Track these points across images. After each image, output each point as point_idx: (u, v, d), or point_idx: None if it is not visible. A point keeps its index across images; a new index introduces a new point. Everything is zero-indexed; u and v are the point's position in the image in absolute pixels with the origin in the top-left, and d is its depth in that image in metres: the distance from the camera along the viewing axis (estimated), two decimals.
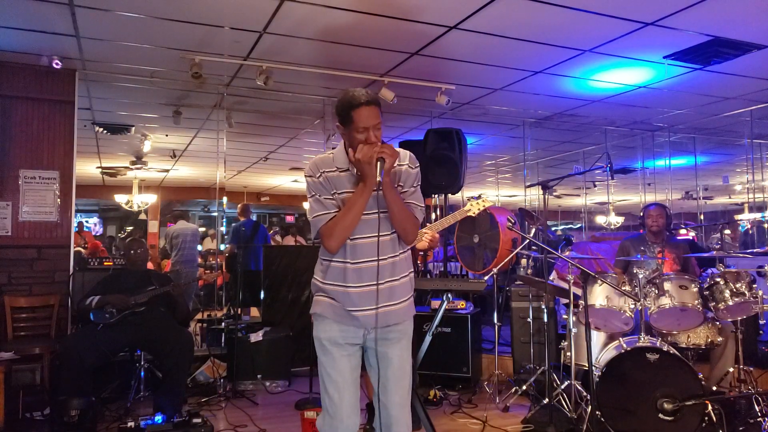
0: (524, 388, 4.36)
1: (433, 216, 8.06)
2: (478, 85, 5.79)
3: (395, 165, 2.22)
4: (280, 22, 4.19)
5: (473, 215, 3.27)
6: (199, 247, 10.04)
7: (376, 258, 2.15)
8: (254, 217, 9.64)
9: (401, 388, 2.20)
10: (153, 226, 13.41)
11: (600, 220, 13.45)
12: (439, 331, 4.76)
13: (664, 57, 4.93)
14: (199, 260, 9.17)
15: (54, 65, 4.74)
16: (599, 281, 3.88)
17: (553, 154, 9.55)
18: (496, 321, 4.84)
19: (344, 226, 2.13)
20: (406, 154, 2.28)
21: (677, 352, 3.56)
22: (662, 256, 4.33)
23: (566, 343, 3.99)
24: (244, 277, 6.24)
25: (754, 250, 4.91)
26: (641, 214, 4.63)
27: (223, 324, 5.65)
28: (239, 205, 8.89)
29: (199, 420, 3.53)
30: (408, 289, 2.27)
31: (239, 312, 6.22)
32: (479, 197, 3.32)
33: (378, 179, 2.05)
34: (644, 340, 3.67)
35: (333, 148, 2.30)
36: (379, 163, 2.07)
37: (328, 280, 2.21)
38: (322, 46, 4.69)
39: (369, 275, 2.15)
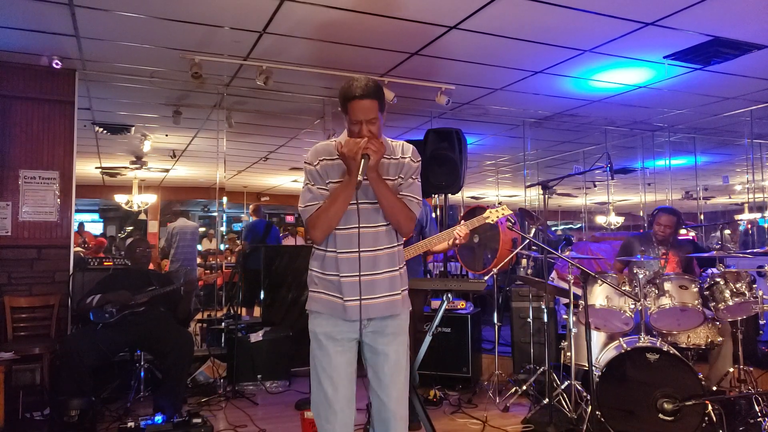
0: (524, 388, 4.36)
1: (433, 215, 8.05)
2: (478, 85, 5.79)
3: (399, 158, 2.25)
4: (280, 22, 4.19)
5: (491, 222, 3.30)
6: (199, 247, 10.04)
7: (364, 249, 2.15)
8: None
9: (398, 383, 2.19)
10: (153, 226, 13.41)
11: (600, 220, 13.46)
12: (439, 331, 4.77)
13: (664, 57, 4.93)
14: (198, 260, 9.17)
15: (54, 65, 4.74)
16: (599, 281, 3.88)
17: (553, 154, 9.55)
18: (496, 321, 4.84)
19: (328, 218, 2.13)
20: (409, 148, 2.29)
21: (677, 352, 3.56)
22: (666, 257, 4.33)
23: (566, 343, 3.99)
24: (254, 276, 6.23)
25: (754, 250, 4.91)
26: (653, 214, 4.55)
27: (223, 324, 5.65)
28: (252, 205, 8.88)
29: (199, 420, 3.53)
30: (397, 284, 2.23)
31: (243, 311, 6.23)
32: (500, 204, 3.36)
33: (359, 178, 2.03)
34: (644, 340, 3.67)
35: None
36: (363, 159, 2.05)
37: (326, 270, 2.19)
38: (321, 46, 4.69)
39: (358, 265, 2.14)
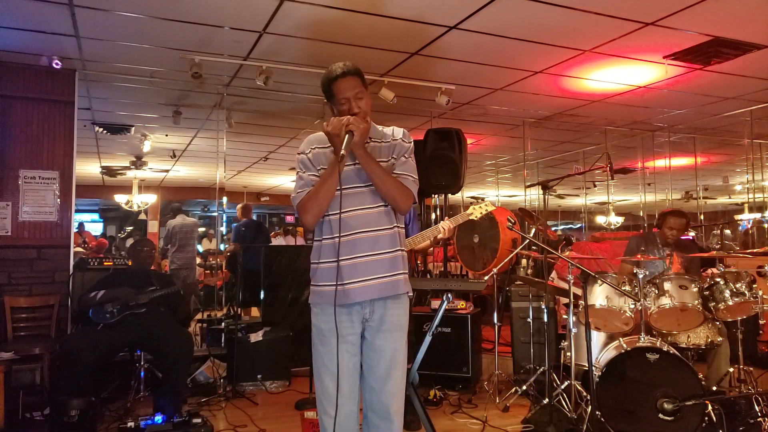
0: (524, 388, 4.35)
1: (434, 216, 8.05)
2: (478, 85, 5.79)
3: (391, 140, 2.28)
4: (280, 22, 4.19)
5: (475, 219, 3.29)
6: (199, 247, 10.03)
7: (362, 230, 2.15)
8: (254, 217, 9.66)
9: (393, 378, 2.19)
10: (153, 226, 13.42)
11: (600, 220, 13.46)
12: (439, 331, 4.76)
13: (664, 57, 4.93)
14: (198, 260, 9.16)
15: (54, 65, 4.74)
16: (599, 281, 3.88)
17: (553, 154, 9.55)
18: (496, 321, 4.83)
19: (317, 200, 2.14)
20: (400, 131, 2.32)
21: (677, 352, 3.56)
22: (670, 258, 4.32)
23: (566, 343, 3.99)
24: (246, 277, 6.23)
25: (754, 250, 4.91)
26: (660, 216, 4.48)
27: (223, 324, 5.65)
28: (239, 205, 8.88)
29: (199, 420, 3.53)
30: (399, 264, 2.21)
31: (240, 312, 6.22)
32: (482, 200, 3.35)
33: (341, 152, 2.03)
34: (644, 340, 3.67)
35: None
36: (347, 135, 2.05)
37: (324, 258, 2.18)
38: (321, 46, 4.69)
39: (356, 247, 2.14)
